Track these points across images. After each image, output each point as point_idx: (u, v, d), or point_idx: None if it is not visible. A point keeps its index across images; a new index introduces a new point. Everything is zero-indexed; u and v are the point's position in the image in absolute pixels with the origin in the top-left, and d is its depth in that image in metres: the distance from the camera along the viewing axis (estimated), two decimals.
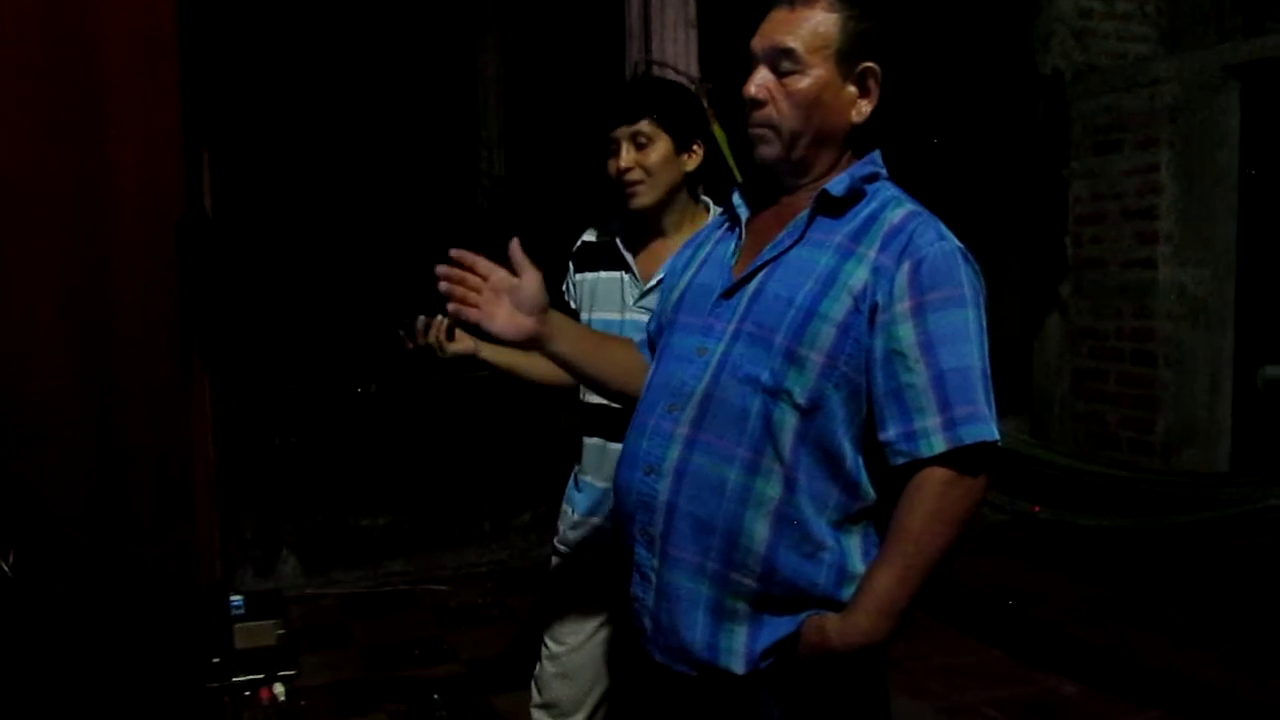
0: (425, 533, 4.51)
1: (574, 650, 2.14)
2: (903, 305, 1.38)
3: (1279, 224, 4.91)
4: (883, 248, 1.41)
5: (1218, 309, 4.89)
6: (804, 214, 1.48)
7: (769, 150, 1.48)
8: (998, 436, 1.37)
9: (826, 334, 1.39)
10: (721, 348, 1.45)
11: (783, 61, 1.44)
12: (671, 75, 3.15)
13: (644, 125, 2.00)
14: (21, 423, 1.53)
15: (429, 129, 5.41)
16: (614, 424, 1.99)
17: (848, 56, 1.44)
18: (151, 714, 1.64)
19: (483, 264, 1.46)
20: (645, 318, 2.04)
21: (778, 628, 1.41)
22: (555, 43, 5.28)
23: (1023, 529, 4.36)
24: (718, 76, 3.00)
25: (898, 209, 1.45)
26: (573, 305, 2.20)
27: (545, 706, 2.17)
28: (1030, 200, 5.40)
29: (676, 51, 3.27)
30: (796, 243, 1.47)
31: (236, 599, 2.09)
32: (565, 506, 2.19)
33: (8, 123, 1.51)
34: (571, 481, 2.19)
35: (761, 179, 1.58)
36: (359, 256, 5.07)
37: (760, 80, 1.46)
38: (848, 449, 1.41)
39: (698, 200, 2.14)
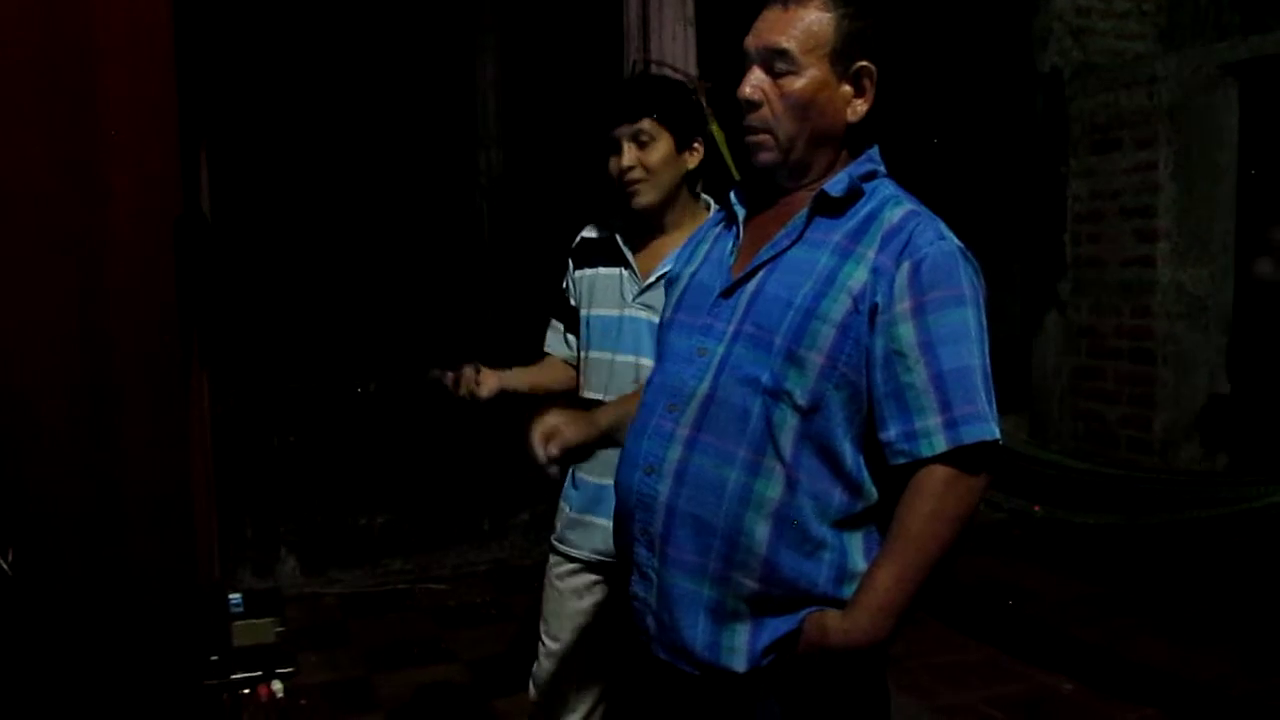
0: (424, 532, 4.51)
1: (570, 648, 2.14)
2: (903, 305, 1.38)
3: (1278, 222, 4.91)
4: (882, 248, 1.41)
5: (1216, 307, 4.89)
6: (802, 214, 1.47)
7: (766, 153, 1.48)
8: (998, 435, 1.37)
9: (826, 335, 1.39)
10: (721, 348, 1.45)
11: (777, 62, 1.44)
12: (669, 74, 3.15)
13: (645, 124, 2.00)
14: (18, 422, 1.53)
15: (427, 128, 5.41)
16: None
17: (842, 56, 1.43)
18: (150, 712, 1.64)
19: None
20: (644, 314, 2.05)
21: (779, 626, 1.41)
22: (553, 42, 5.28)
23: (1021, 527, 4.36)
24: (716, 75, 3.00)
25: (896, 208, 1.45)
26: (573, 302, 2.21)
27: (543, 704, 2.18)
28: (1029, 199, 5.40)
29: (674, 50, 3.27)
30: (795, 243, 1.46)
31: (235, 597, 2.10)
32: (562, 504, 2.20)
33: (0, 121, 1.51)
34: (569, 479, 2.19)
35: (758, 178, 1.57)
36: (358, 255, 5.07)
37: (755, 81, 1.46)
38: (848, 449, 1.41)
39: (698, 198, 2.14)
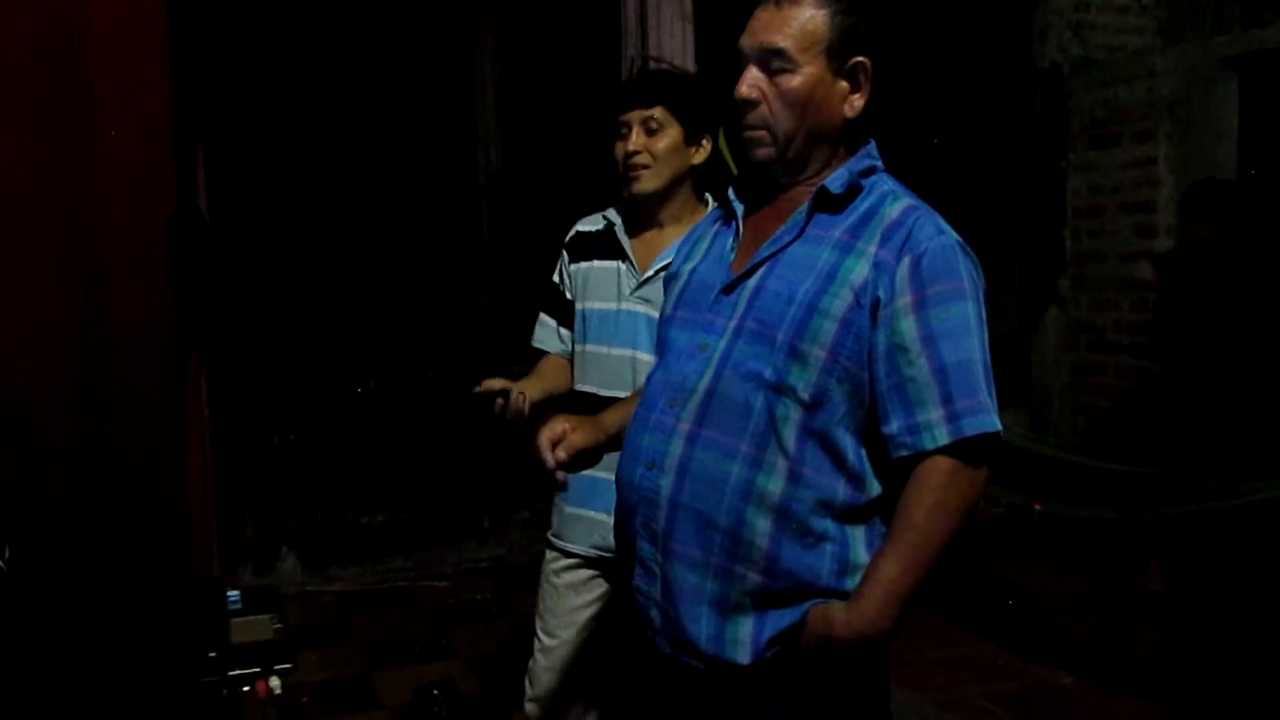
0: (424, 529, 4.51)
1: (567, 644, 2.14)
2: (904, 300, 1.38)
3: (1277, 216, 4.90)
4: (883, 243, 1.42)
5: None
6: (802, 209, 1.48)
7: (764, 150, 1.49)
8: (1000, 428, 1.38)
9: (828, 330, 1.39)
10: (723, 344, 1.46)
11: (773, 60, 1.44)
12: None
13: (657, 111, 2.01)
14: (12, 420, 1.53)
15: (426, 125, 5.41)
16: (602, 411, 1.99)
17: (838, 52, 1.44)
18: (148, 709, 1.64)
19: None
20: (641, 308, 2.05)
21: (782, 618, 1.42)
22: (551, 39, 5.28)
23: (1020, 522, 4.36)
24: (714, 71, 2.99)
25: (896, 203, 1.46)
26: (568, 295, 2.20)
27: (538, 700, 2.18)
28: (1028, 194, 5.40)
29: (673, 46, 3.26)
30: (796, 238, 1.47)
31: (233, 594, 2.10)
32: (559, 499, 2.20)
33: None
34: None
35: (756, 174, 1.58)
36: (357, 254, 5.07)
37: (751, 80, 1.46)
38: (850, 442, 1.42)
39: (700, 196, 2.14)
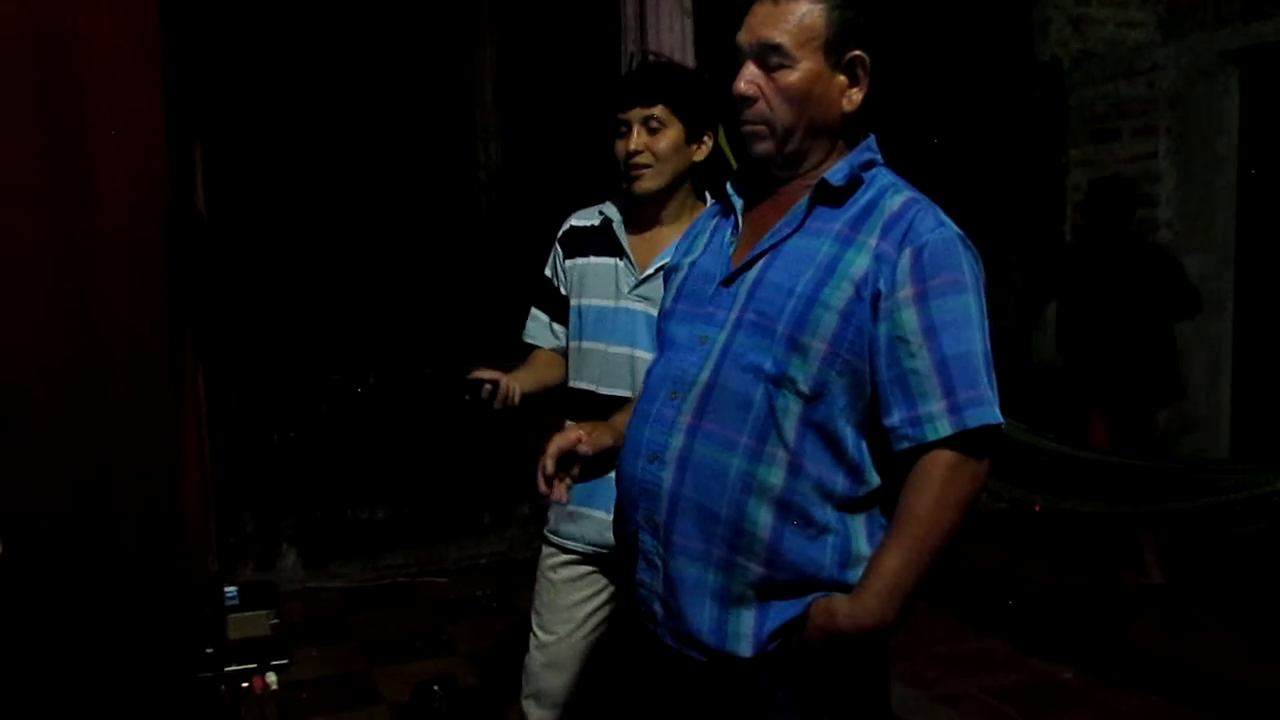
0: (424, 525, 4.51)
1: (563, 640, 2.13)
2: (905, 292, 1.38)
3: (1279, 211, 4.89)
4: (883, 235, 1.42)
5: (1217, 296, 4.87)
6: (802, 202, 1.48)
7: (763, 145, 1.49)
8: (1001, 419, 1.38)
9: (828, 322, 1.39)
10: (723, 336, 1.46)
11: (771, 56, 1.44)
12: None
13: (658, 110, 1.99)
14: (6, 417, 1.52)
15: (425, 121, 5.39)
16: (599, 408, 1.99)
17: (836, 47, 1.44)
18: (145, 705, 1.64)
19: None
20: (640, 306, 2.04)
21: (784, 610, 1.42)
22: (551, 34, 5.26)
23: (1021, 517, 4.35)
24: (714, 66, 2.98)
25: (896, 196, 1.46)
26: (562, 291, 2.19)
27: (534, 696, 2.17)
28: (1028, 188, 5.39)
29: (672, 41, 3.25)
30: (796, 231, 1.47)
31: (230, 590, 2.09)
32: None
33: None
34: None
35: (754, 169, 1.58)
36: (357, 249, 5.06)
37: (750, 76, 1.46)
38: (851, 434, 1.42)
39: (699, 194, 2.13)
